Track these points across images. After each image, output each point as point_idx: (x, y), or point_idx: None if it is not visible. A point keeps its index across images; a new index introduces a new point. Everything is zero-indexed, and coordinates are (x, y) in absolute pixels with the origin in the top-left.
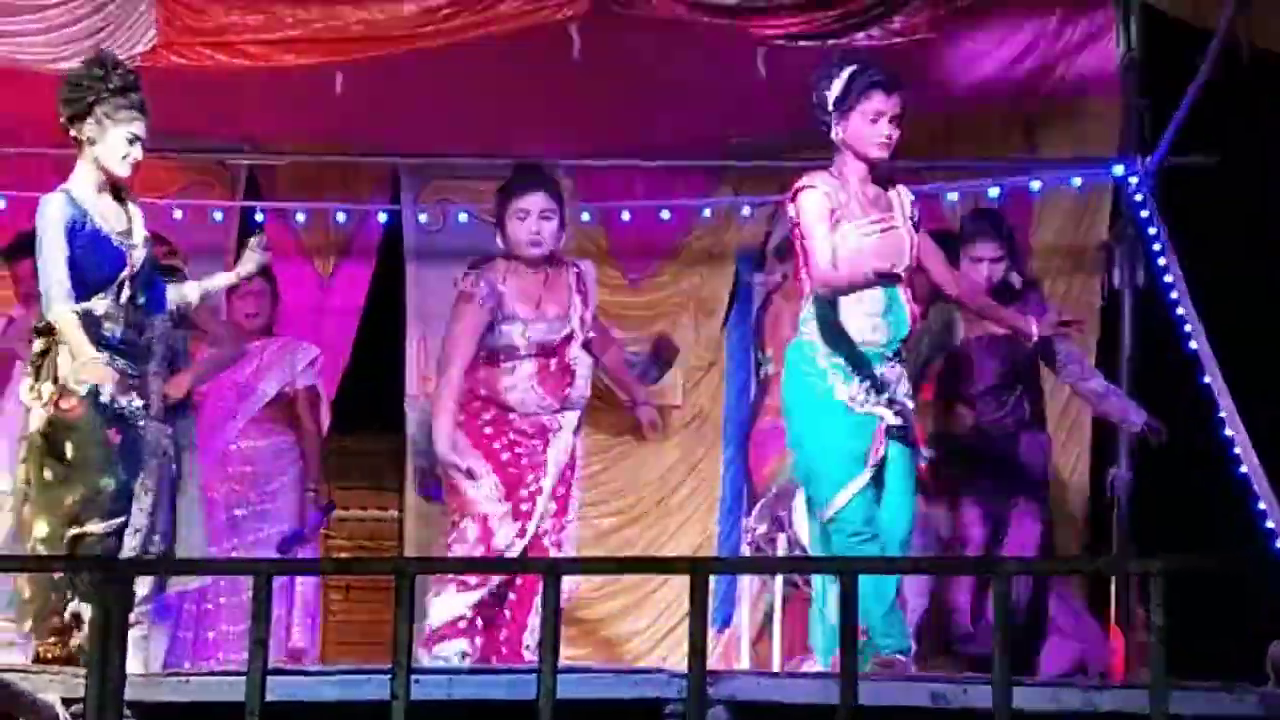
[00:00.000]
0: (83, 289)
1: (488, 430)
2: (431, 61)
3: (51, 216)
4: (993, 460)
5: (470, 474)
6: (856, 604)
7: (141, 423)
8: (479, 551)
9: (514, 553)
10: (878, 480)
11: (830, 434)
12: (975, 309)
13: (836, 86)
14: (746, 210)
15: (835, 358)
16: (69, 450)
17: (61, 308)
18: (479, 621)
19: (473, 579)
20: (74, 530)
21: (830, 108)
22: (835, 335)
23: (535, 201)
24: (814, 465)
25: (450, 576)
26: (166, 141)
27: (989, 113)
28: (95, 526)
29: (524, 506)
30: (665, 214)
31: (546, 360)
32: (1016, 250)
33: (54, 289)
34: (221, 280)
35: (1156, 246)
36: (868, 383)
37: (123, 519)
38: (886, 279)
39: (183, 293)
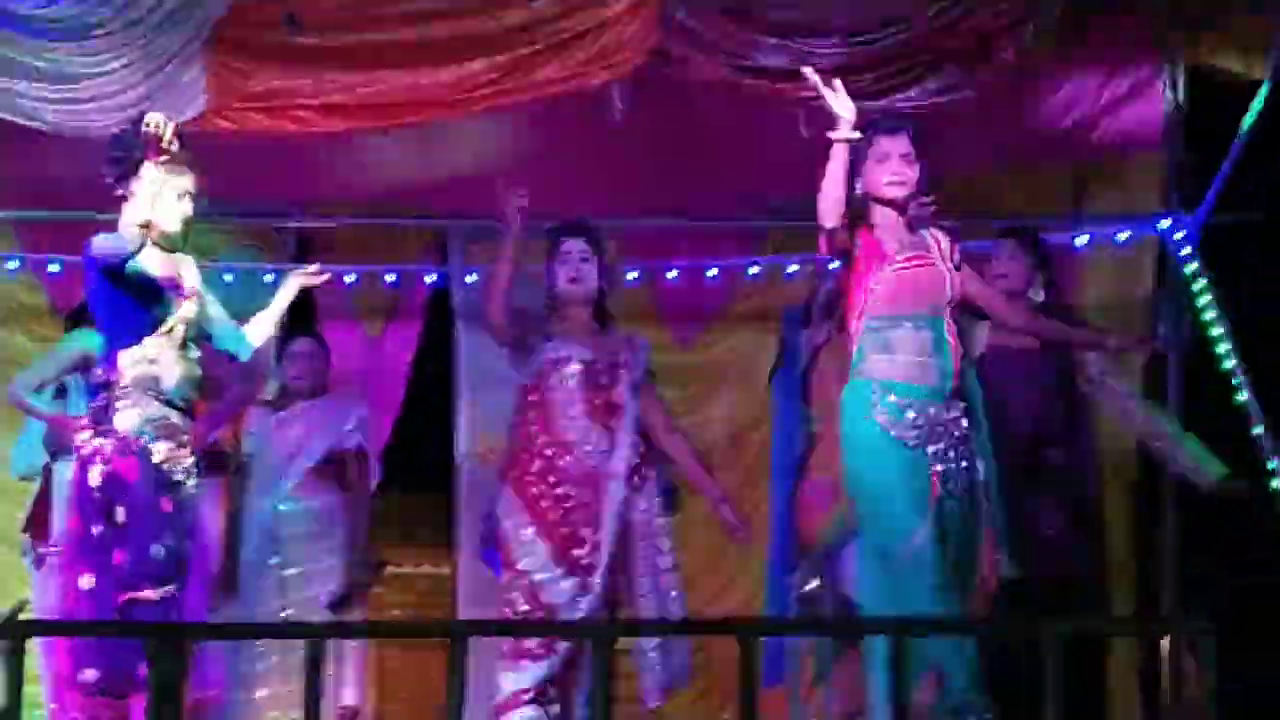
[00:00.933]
0: (133, 328)
1: (535, 486)
2: (476, 124)
3: (102, 251)
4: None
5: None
6: (905, 664)
7: (192, 484)
8: (528, 614)
9: (577, 611)
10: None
11: (887, 468)
12: (1040, 334)
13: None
14: (792, 269)
15: (889, 395)
16: (120, 513)
17: (121, 352)
18: (550, 691)
19: (537, 647)
20: (127, 595)
21: (853, 172)
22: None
23: (575, 245)
24: (874, 506)
25: (522, 649)
26: (216, 206)
27: (1035, 170)
28: (148, 593)
29: (582, 563)
30: (712, 273)
31: (594, 394)
32: (1049, 265)
33: (110, 332)
34: (277, 310)
35: (1202, 301)
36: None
37: (174, 586)
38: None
39: (257, 332)
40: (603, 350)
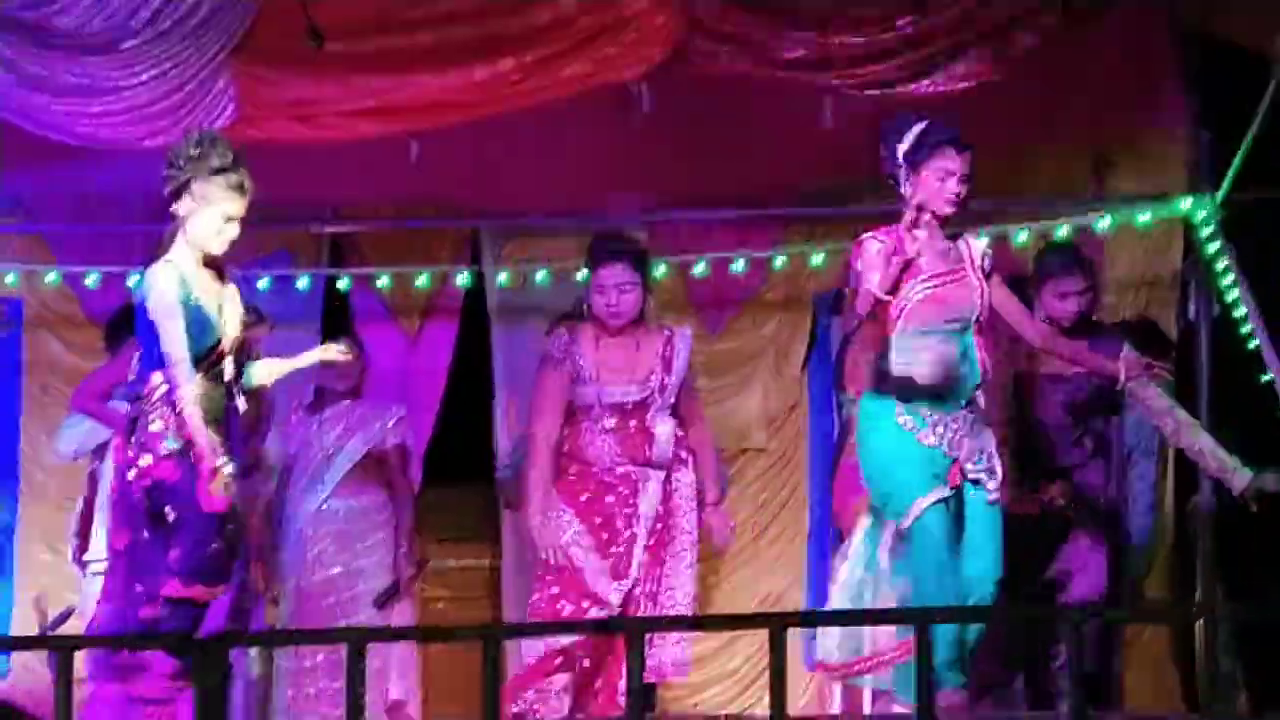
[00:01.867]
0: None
1: (574, 482)
2: (505, 123)
3: (164, 289)
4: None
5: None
6: (931, 651)
7: (233, 490)
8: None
9: (612, 604)
10: (958, 524)
11: (905, 457)
12: (1057, 354)
13: (908, 141)
14: (819, 258)
15: (911, 406)
16: (170, 513)
17: (188, 388)
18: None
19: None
20: (181, 594)
21: (900, 161)
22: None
23: (612, 274)
24: (888, 482)
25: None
26: (249, 211)
27: (1056, 152)
28: (201, 594)
29: (617, 550)
30: (739, 264)
31: (625, 421)
32: (1098, 283)
33: (179, 370)
34: (292, 365)
35: (1228, 279)
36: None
37: (221, 589)
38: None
39: (261, 375)
40: (638, 369)
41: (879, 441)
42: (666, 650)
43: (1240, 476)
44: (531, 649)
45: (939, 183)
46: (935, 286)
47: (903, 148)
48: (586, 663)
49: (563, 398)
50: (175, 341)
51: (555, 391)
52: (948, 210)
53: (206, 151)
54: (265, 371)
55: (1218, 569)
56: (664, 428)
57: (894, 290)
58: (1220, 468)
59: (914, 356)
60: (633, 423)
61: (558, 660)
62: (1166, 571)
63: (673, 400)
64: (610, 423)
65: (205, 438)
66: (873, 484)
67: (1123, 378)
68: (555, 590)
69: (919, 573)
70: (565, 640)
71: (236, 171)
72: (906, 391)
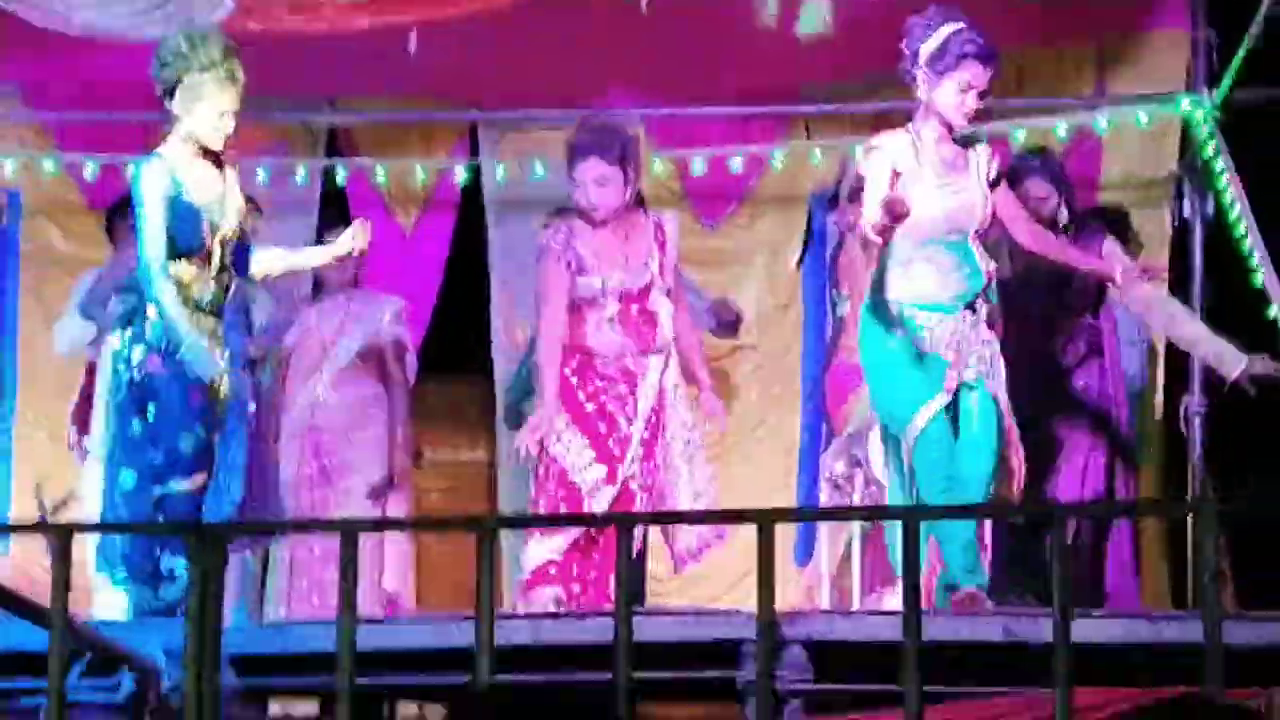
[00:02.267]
0: (171, 254)
1: (573, 379)
2: (504, 16)
3: (148, 184)
4: (1053, 396)
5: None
6: (918, 550)
7: (224, 380)
8: (563, 498)
9: (603, 499)
10: (954, 423)
11: (904, 369)
12: (1049, 255)
13: (933, 44)
14: (818, 155)
15: (909, 313)
16: (151, 409)
17: (161, 284)
18: (572, 568)
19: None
20: (158, 489)
21: (922, 63)
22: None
23: (588, 168)
24: (890, 395)
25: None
26: (246, 102)
27: (1057, 51)
28: (179, 484)
29: (614, 452)
30: (737, 161)
31: (628, 307)
32: (1068, 187)
33: (153, 265)
34: (308, 258)
35: (1223, 181)
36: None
37: (204, 475)
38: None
39: (267, 265)
40: (633, 256)
41: (878, 355)
42: (680, 539)
43: (1235, 361)
44: (530, 559)
45: (959, 94)
46: (939, 191)
47: (927, 49)
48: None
49: (566, 290)
50: (152, 240)
51: (558, 284)
52: (962, 123)
53: (196, 47)
54: (269, 262)
55: (1208, 467)
56: (665, 309)
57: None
58: (1216, 354)
59: (912, 266)
60: (635, 308)
61: (551, 571)
62: (1158, 470)
63: (669, 284)
64: (613, 310)
65: (184, 328)
66: (874, 395)
67: (1118, 279)
68: (546, 485)
69: (925, 484)
70: (558, 546)
71: (226, 64)
72: (904, 300)
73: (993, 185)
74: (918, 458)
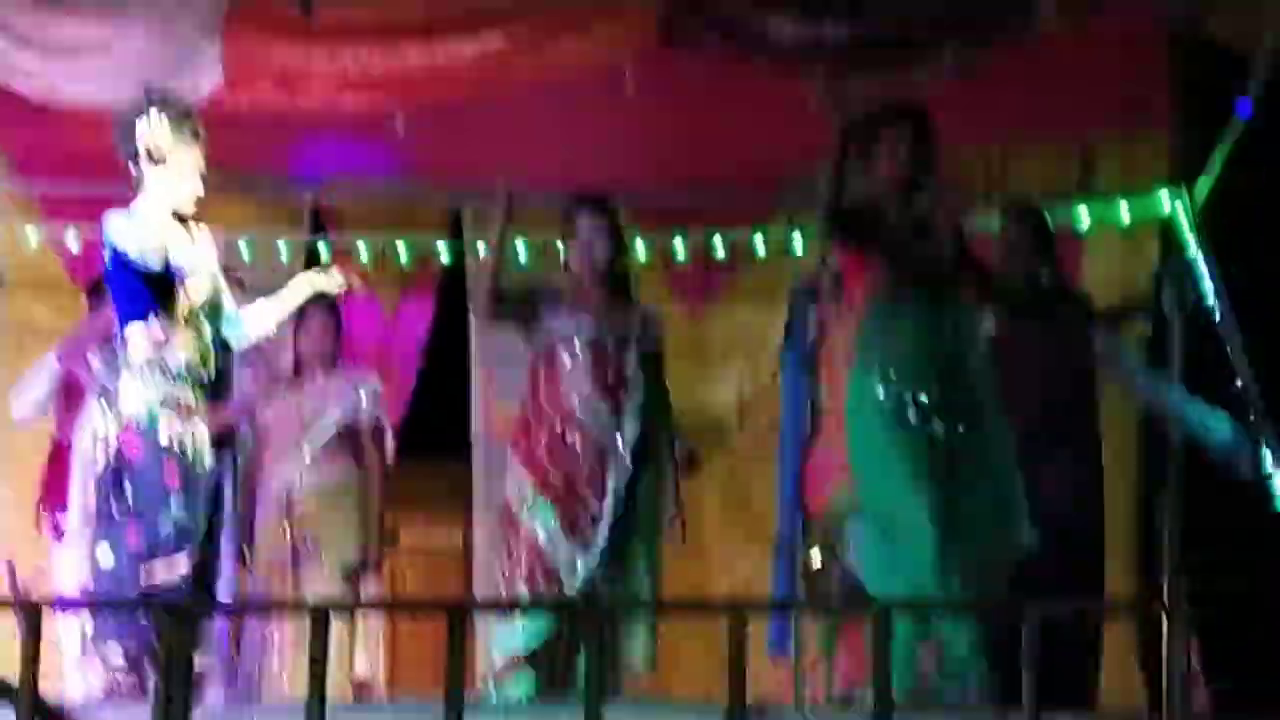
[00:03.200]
0: (142, 310)
1: (543, 457)
2: (491, 98)
3: (117, 235)
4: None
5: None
6: (889, 644)
7: (203, 460)
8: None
9: (576, 578)
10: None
11: (889, 437)
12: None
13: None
14: (799, 245)
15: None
16: (128, 489)
17: (130, 327)
18: (544, 654)
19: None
20: (144, 579)
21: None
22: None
23: (586, 221)
24: (872, 464)
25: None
26: (232, 178)
27: (1042, 147)
28: (160, 571)
29: (585, 530)
30: (719, 247)
31: (602, 369)
32: (1052, 248)
33: (123, 309)
34: (293, 296)
35: (1203, 277)
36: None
37: (186, 556)
38: None
39: (258, 322)
40: (613, 322)
41: (863, 429)
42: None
43: (1219, 432)
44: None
45: (887, 152)
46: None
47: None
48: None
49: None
50: (121, 288)
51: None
52: (899, 184)
53: (161, 108)
54: (257, 323)
55: (1183, 564)
56: (638, 378)
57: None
58: (1198, 424)
59: (891, 329)
60: (610, 371)
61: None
62: (1130, 566)
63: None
64: (585, 355)
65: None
66: (855, 464)
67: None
68: (520, 563)
69: (885, 557)
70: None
71: (189, 124)
72: (888, 365)
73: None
74: (907, 545)
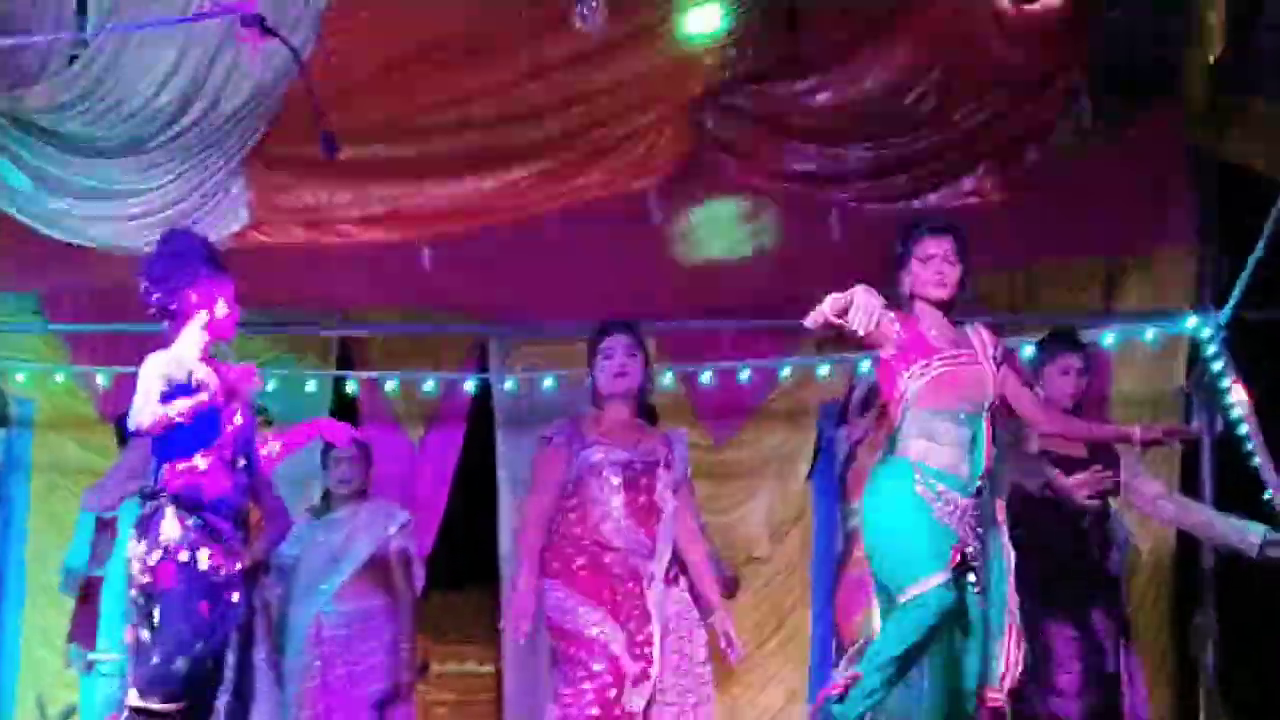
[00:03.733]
0: (185, 449)
1: (584, 574)
2: (515, 230)
3: (153, 368)
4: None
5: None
6: None
7: (236, 593)
8: (611, 694)
9: (639, 697)
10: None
11: (916, 526)
12: (1072, 435)
13: (897, 245)
14: (825, 369)
15: (926, 475)
16: (157, 617)
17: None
18: None
19: None
20: (138, 704)
21: (897, 267)
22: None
23: (619, 340)
24: (896, 552)
25: None
26: (259, 314)
27: (1068, 268)
28: (154, 704)
29: (638, 650)
30: (745, 374)
31: (635, 495)
32: (1094, 367)
33: (160, 444)
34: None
35: (1230, 398)
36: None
37: (188, 701)
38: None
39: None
40: (642, 450)
41: (891, 508)
42: None
43: (1254, 534)
44: None
45: (923, 266)
46: (947, 366)
47: (895, 251)
48: None
49: (561, 475)
50: (144, 395)
51: (553, 467)
52: (937, 294)
53: (193, 246)
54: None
55: (1221, 688)
56: (669, 508)
57: (904, 359)
58: (1236, 529)
59: (929, 431)
60: (641, 497)
61: None
62: (1171, 695)
63: (678, 483)
64: (617, 481)
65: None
66: (878, 553)
67: (1138, 437)
68: (589, 696)
69: (884, 636)
70: None
71: (219, 257)
72: (922, 462)
73: (998, 365)
74: (902, 616)
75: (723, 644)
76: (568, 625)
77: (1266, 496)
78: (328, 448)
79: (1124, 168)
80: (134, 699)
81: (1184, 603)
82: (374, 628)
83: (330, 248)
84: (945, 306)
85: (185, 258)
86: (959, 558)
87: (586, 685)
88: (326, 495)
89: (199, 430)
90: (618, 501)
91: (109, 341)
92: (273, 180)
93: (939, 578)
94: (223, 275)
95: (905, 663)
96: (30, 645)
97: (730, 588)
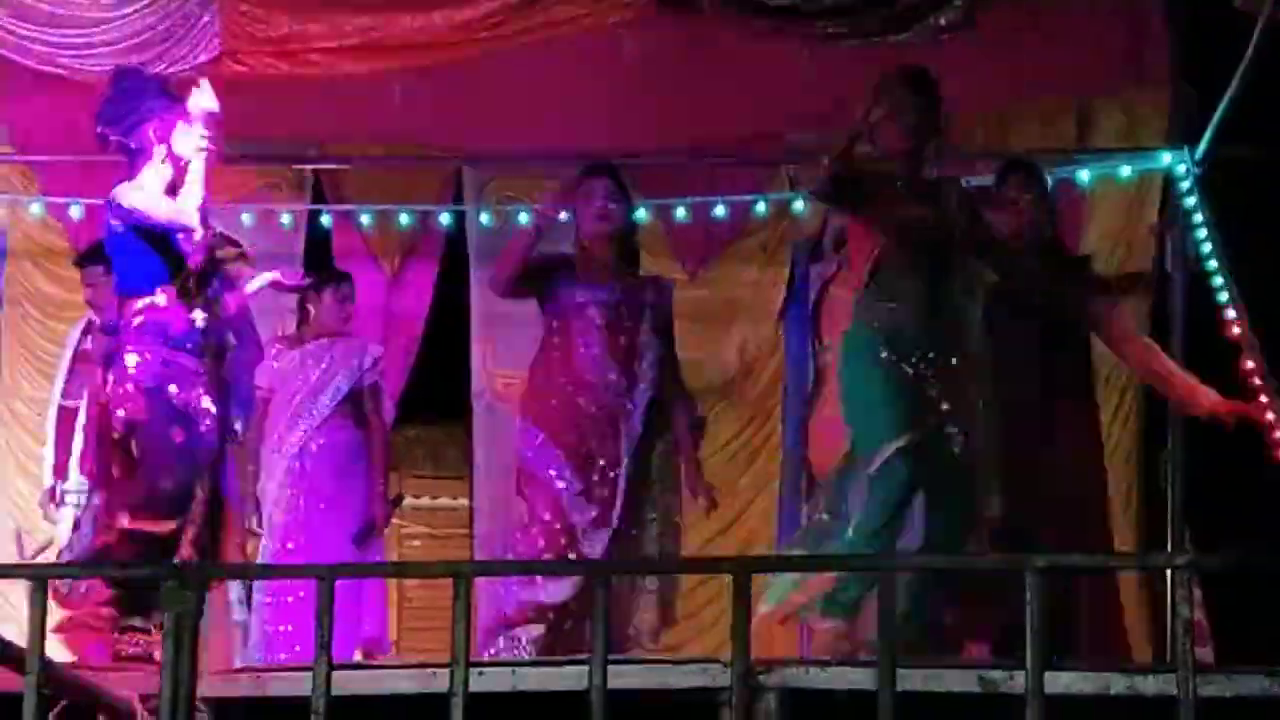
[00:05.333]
0: (147, 282)
1: (556, 415)
2: (490, 63)
3: (126, 203)
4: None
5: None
6: (894, 600)
7: (206, 422)
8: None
9: (595, 542)
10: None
11: (885, 392)
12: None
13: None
14: (800, 205)
15: (890, 339)
16: (134, 447)
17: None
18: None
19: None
20: (131, 526)
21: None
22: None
23: (601, 184)
24: (866, 418)
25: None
26: (233, 146)
27: (1041, 105)
28: (151, 526)
29: (601, 493)
30: (720, 210)
31: (616, 336)
32: (1052, 204)
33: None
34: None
35: (1202, 234)
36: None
37: (178, 520)
38: None
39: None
40: (626, 292)
41: (859, 375)
42: (643, 617)
43: (1207, 393)
44: (511, 600)
45: (891, 122)
46: (912, 219)
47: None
48: (568, 625)
49: (533, 244)
50: (129, 264)
51: (525, 244)
52: (904, 146)
53: (149, 80)
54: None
55: (1186, 521)
56: (652, 352)
57: (870, 205)
58: (1189, 388)
59: (893, 295)
60: (623, 338)
61: (530, 615)
62: (1136, 524)
63: (662, 327)
64: (600, 321)
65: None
66: (850, 419)
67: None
68: (540, 543)
69: (866, 511)
70: (544, 598)
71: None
72: (890, 325)
73: (972, 219)
74: (874, 486)
75: (699, 499)
76: (529, 468)
77: (1235, 333)
78: (321, 283)
79: (1099, 3)
80: (124, 521)
81: (1152, 437)
82: (350, 461)
83: (303, 79)
84: (914, 159)
85: (138, 94)
86: (936, 418)
87: (535, 530)
88: (300, 326)
89: (163, 264)
90: (598, 341)
91: (81, 173)
92: (243, 9)
93: (907, 438)
94: (178, 105)
95: (890, 527)
96: (6, 476)
97: (699, 427)
